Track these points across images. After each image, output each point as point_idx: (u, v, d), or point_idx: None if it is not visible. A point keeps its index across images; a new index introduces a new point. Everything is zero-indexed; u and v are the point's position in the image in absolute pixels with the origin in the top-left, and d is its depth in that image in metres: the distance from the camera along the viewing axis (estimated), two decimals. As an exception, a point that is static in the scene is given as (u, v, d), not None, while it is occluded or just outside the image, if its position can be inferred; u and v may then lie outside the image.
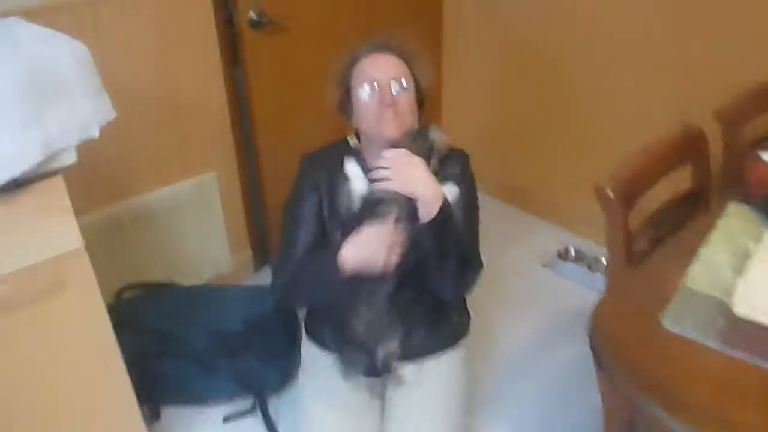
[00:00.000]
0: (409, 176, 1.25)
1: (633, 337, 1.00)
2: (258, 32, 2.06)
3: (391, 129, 1.33)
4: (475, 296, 1.53)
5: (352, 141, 1.50)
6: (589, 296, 2.38)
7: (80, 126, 1.20)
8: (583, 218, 2.62)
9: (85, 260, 1.28)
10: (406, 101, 1.36)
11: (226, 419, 1.83)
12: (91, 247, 1.93)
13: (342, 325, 1.38)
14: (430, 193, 1.24)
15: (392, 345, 1.39)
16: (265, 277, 2.43)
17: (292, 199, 1.49)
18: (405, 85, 1.36)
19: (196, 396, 1.86)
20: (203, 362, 1.79)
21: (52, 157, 1.20)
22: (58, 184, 1.26)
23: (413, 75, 1.40)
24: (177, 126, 2.06)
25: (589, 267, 2.43)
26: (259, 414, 1.82)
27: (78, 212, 1.88)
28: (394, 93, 1.34)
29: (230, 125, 2.20)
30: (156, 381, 1.82)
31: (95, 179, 1.89)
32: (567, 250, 2.53)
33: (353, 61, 1.42)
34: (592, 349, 0.98)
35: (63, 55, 1.17)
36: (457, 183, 1.43)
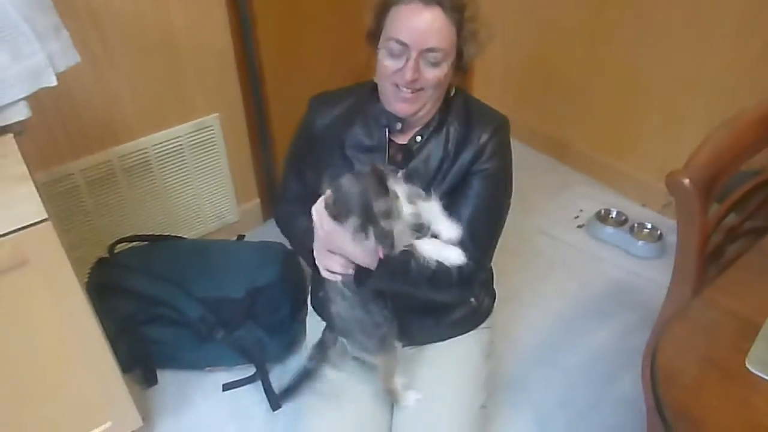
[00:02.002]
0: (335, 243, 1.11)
1: (707, 385, 0.78)
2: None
3: (402, 107, 1.15)
4: (500, 259, 1.34)
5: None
6: (629, 266, 2.22)
7: (31, 74, 0.98)
8: (628, 176, 2.37)
9: (50, 233, 1.11)
10: (435, 77, 1.13)
11: (226, 387, 1.71)
12: (80, 198, 1.78)
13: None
14: (360, 259, 1.11)
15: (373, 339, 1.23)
16: (274, 228, 2.26)
17: (294, 142, 1.35)
18: (440, 60, 1.11)
19: (192, 364, 1.73)
20: (198, 331, 1.64)
21: (-5, 114, 0.99)
22: (9, 145, 1.06)
23: (459, 41, 1.12)
24: (173, 62, 1.81)
25: (632, 232, 2.18)
26: (260, 384, 1.68)
27: (61, 161, 1.73)
28: (422, 67, 1.11)
29: (234, 60, 1.94)
30: (149, 345, 1.69)
31: (79, 124, 1.70)
32: (608, 212, 2.28)
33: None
34: (654, 396, 0.76)
35: (1, -16, 0.93)
36: (479, 162, 1.19)
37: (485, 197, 1.20)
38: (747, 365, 0.80)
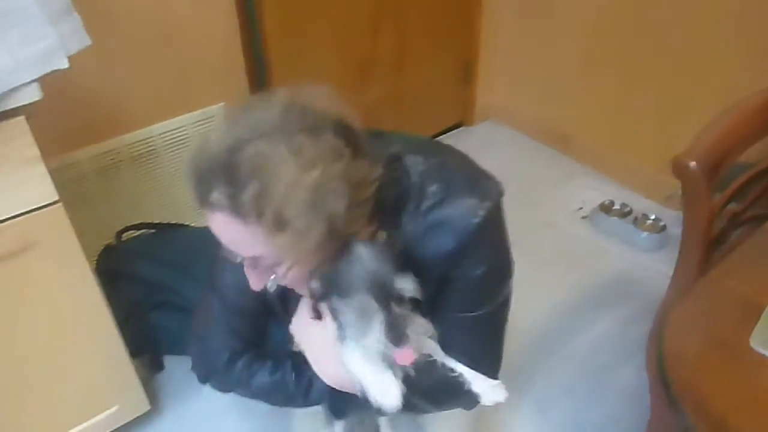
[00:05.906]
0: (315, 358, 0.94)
1: (712, 364, 0.79)
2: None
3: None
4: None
5: None
6: (632, 257, 2.24)
7: (42, 56, 0.99)
8: (631, 168, 2.37)
9: (61, 215, 1.12)
10: (292, 278, 0.83)
11: (232, 374, 1.71)
12: (87, 186, 1.80)
13: None
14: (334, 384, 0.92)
15: None
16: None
17: (212, 267, 1.01)
18: (278, 264, 0.81)
19: (198, 350, 1.74)
20: (205, 317, 1.65)
21: (8, 94, 1.00)
22: (21, 127, 1.07)
23: (278, 244, 0.75)
24: (179, 50, 1.82)
25: (635, 223, 2.19)
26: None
27: (69, 149, 1.74)
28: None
29: (240, 50, 1.95)
30: (156, 332, 1.70)
31: (86, 112, 1.71)
32: (611, 203, 2.29)
33: None
34: (660, 374, 0.78)
35: (15, -33, 0.94)
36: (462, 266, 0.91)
37: (479, 307, 0.98)
38: (751, 344, 0.81)
